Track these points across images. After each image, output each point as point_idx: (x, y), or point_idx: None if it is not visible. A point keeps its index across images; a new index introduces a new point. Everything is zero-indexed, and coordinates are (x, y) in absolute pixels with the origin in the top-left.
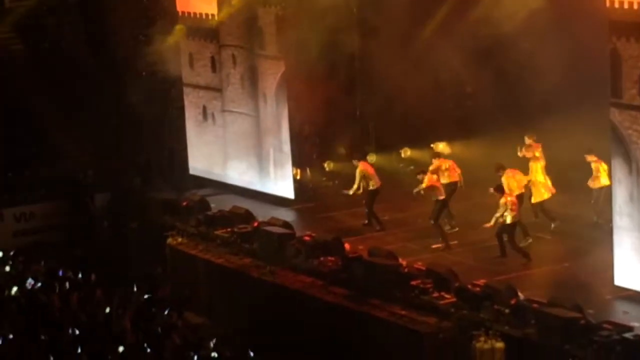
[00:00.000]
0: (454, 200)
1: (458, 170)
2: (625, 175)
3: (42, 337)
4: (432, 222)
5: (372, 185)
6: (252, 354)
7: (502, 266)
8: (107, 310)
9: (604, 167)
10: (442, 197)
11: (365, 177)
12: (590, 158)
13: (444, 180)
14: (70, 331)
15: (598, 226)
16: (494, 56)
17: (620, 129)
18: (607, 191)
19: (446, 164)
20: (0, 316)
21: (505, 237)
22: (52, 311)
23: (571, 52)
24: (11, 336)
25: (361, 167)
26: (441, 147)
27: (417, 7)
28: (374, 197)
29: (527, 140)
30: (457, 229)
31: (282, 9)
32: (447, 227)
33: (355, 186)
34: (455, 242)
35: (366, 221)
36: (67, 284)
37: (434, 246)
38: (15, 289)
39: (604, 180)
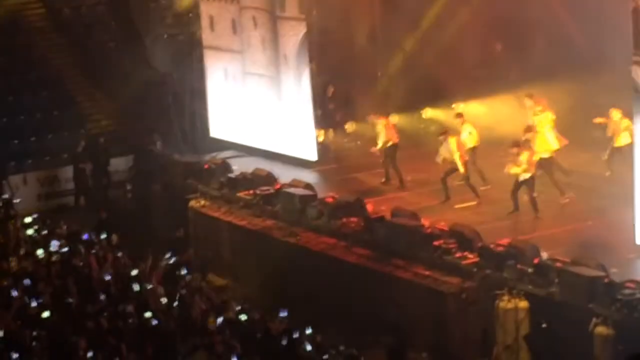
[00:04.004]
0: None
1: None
2: None
3: (71, 300)
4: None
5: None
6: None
7: (525, 225)
8: (134, 272)
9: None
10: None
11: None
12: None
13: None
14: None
15: (621, 184)
16: (514, 14)
17: None
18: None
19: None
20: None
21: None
22: (82, 274)
23: (592, 10)
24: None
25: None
26: (462, 107)
27: None
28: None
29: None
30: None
31: None
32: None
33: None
34: (478, 201)
35: (384, 179)
36: (92, 247)
37: (457, 206)
38: (40, 251)
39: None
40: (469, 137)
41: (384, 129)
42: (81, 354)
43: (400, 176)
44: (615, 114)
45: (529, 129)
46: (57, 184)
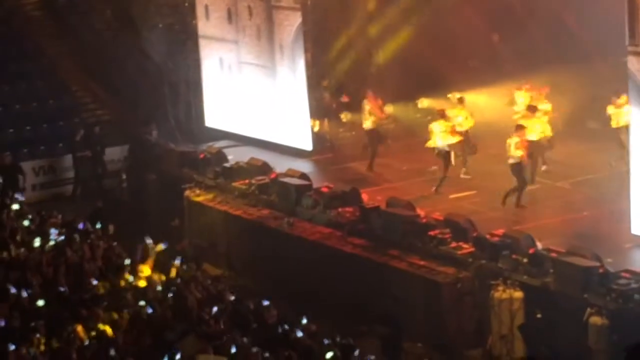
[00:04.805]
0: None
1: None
2: None
3: (63, 289)
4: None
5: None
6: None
7: (520, 215)
8: (127, 262)
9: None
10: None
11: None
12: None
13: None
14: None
15: (617, 175)
16: (511, 5)
17: (639, 77)
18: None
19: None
20: (25, 269)
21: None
22: (75, 263)
23: (588, 0)
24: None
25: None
26: (458, 97)
27: None
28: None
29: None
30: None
31: None
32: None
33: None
34: (474, 192)
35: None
36: (88, 236)
37: (452, 196)
38: (37, 240)
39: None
40: (465, 121)
41: (373, 109)
42: (78, 343)
43: (374, 158)
44: (623, 98)
45: (533, 108)
46: (52, 173)
